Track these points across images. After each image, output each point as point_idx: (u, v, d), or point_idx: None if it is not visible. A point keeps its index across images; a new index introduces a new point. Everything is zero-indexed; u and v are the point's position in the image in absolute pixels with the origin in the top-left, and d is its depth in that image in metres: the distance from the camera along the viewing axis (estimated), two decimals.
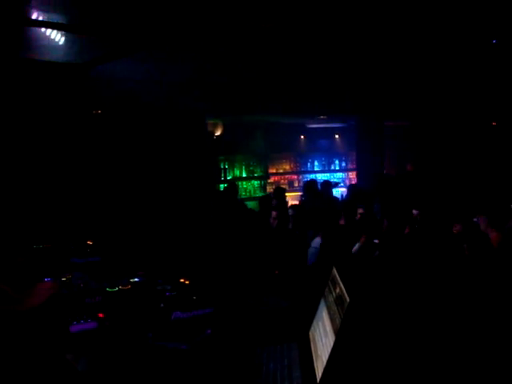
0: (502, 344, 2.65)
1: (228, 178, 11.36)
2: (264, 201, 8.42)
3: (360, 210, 6.69)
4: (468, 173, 10.74)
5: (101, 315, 2.31)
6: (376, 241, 5.61)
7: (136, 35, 6.11)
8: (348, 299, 1.97)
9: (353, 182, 13.07)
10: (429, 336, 2.42)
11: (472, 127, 12.16)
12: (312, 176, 12.98)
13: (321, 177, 12.98)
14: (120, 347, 2.19)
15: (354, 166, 13.40)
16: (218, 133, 11.85)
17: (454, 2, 5.90)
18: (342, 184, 13.27)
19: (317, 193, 9.37)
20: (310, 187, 9.58)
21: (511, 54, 8.55)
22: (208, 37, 6.37)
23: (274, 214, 6.62)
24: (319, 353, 2.15)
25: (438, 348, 2.37)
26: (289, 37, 6.94)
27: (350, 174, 13.88)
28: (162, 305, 2.38)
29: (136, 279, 2.77)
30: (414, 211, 6.81)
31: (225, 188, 10.35)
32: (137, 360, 2.13)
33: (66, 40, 6.05)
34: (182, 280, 2.73)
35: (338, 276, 2.21)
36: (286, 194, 9.49)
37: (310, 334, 2.43)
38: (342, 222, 6.47)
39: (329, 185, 10.02)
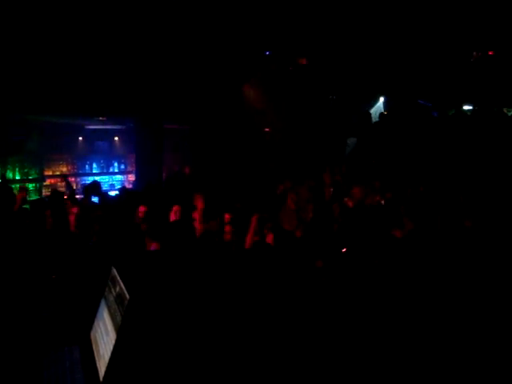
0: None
1: None
2: (36, 205, 7.92)
3: (142, 209, 6.70)
4: (240, 175, 11.54)
5: None
6: None
7: None
8: (128, 297, 2.05)
9: (127, 186, 13.01)
10: (209, 328, 2.58)
11: (246, 132, 13.11)
12: (91, 178, 12.62)
13: (99, 179, 12.69)
14: None
15: (134, 168, 13.38)
16: None
17: None
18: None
19: (101, 194, 9.20)
20: (92, 189, 9.36)
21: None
22: None
23: (48, 212, 6.31)
24: (101, 352, 2.19)
25: (219, 339, 2.56)
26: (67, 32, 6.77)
27: (129, 176, 13.81)
28: None
29: None
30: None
31: None
32: None
33: None
34: None
35: (117, 275, 2.28)
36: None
37: (92, 335, 2.45)
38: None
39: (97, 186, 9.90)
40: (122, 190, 10.16)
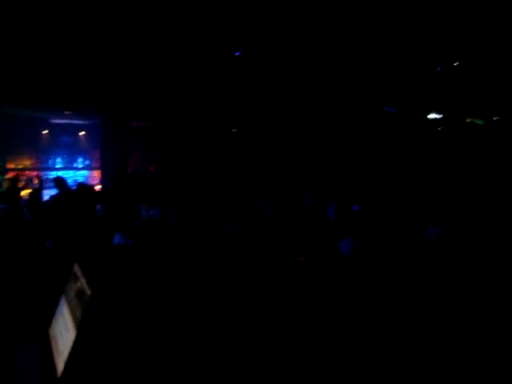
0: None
1: None
2: None
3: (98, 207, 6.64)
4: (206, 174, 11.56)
5: None
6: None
7: None
8: (89, 292, 2.03)
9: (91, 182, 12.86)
10: (172, 325, 2.58)
11: (212, 131, 13.12)
12: (54, 173, 12.40)
13: (63, 174, 12.47)
14: None
15: (99, 164, 13.20)
16: None
17: None
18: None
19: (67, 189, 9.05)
20: (60, 183, 9.20)
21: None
22: None
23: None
24: (60, 349, 2.16)
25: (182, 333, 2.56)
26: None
27: (94, 172, 13.62)
28: None
29: None
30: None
31: None
32: None
33: None
34: None
35: (79, 271, 2.25)
36: (24, 192, 8.94)
37: (51, 331, 2.41)
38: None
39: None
40: (79, 185, 9.96)
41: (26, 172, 12.37)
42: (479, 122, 14.81)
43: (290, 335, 3.16)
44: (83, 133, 13.60)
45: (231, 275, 3.76)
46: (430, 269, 4.34)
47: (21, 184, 10.69)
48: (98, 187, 11.18)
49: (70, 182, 10.30)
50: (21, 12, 7.22)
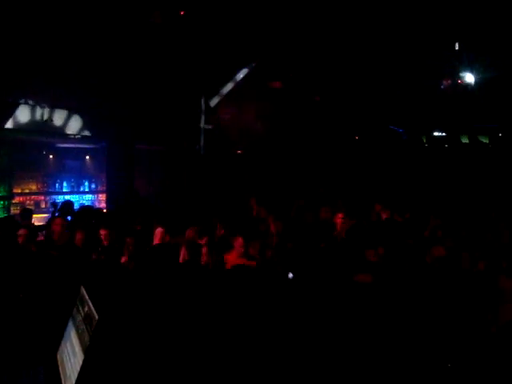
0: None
1: None
2: (5, 222, 7.78)
3: (103, 232, 6.65)
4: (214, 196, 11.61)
5: None
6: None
7: None
8: (97, 317, 2.02)
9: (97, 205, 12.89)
10: (178, 350, 2.56)
11: (220, 153, 13.22)
12: (61, 197, 12.43)
13: (70, 198, 12.49)
14: None
15: (105, 187, 13.23)
16: None
17: None
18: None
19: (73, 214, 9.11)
20: (66, 208, 9.27)
21: None
22: None
23: (22, 232, 6.22)
24: (68, 373, 2.15)
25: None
26: None
27: (100, 196, 13.63)
28: None
29: None
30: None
31: None
32: None
33: None
34: None
35: (86, 295, 2.24)
36: (34, 216, 9.00)
37: (58, 356, 2.40)
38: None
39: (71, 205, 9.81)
40: (82, 208, 9.96)
41: (33, 196, 12.41)
42: (484, 139, 14.83)
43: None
44: (89, 157, 13.66)
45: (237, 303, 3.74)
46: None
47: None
48: (104, 210, 11.20)
49: (76, 205, 10.36)
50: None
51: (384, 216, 8.41)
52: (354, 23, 9.79)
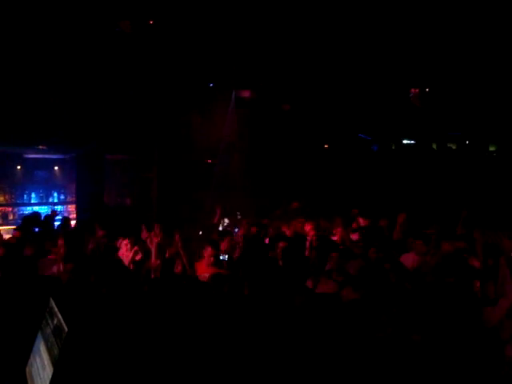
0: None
1: None
2: None
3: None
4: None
5: None
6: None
7: None
8: (66, 329, 2.00)
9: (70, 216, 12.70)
10: (148, 362, 2.55)
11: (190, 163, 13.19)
12: (29, 209, 12.21)
13: (38, 209, 12.28)
14: None
15: (74, 198, 13.06)
16: None
17: None
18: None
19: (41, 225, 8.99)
20: (33, 220, 9.15)
21: None
22: None
23: None
24: None
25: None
26: None
27: (69, 206, 13.43)
28: None
29: None
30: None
31: None
32: None
33: None
34: None
35: (55, 307, 2.22)
36: (0, 228, 8.85)
37: (27, 369, 2.36)
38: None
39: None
40: (64, 220, 9.96)
41: (0, 208, 12.16)
42: (453, 146, 15.16)
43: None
44: (58, 167, 13.46)
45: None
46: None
47: None
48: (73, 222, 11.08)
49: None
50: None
51: (362, 223, 8.48)
52: (322, 33, 9.91)
